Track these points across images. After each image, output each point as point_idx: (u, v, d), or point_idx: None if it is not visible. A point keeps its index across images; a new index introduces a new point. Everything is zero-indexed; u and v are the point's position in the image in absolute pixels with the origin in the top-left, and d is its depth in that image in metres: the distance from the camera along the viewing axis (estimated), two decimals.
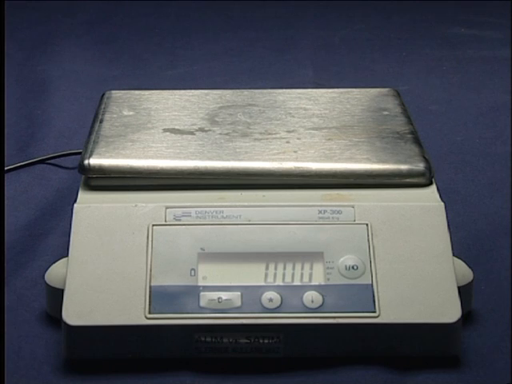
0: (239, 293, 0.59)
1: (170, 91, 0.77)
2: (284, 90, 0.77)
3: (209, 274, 0.59)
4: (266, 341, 0.58)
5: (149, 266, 0.59)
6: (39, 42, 1.19)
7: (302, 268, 0.60)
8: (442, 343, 0.58)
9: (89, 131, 0.69)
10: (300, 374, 0.58)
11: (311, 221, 0.62)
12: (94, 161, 0.64)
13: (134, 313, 0.58)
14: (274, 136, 0.68)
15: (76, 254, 0.60)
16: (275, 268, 0.60)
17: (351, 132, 0.69)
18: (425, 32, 1.24)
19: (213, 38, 1.22)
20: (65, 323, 0.58)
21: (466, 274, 0.62)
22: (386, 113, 0.72)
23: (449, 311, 0.58)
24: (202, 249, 0.60)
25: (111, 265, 0.60)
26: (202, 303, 0.58)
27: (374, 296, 0.58)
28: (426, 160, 0.65)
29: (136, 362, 0.59)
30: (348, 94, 0.76)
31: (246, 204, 0.63)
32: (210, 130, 0.69)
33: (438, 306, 0.58)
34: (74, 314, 0.58)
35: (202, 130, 0.69)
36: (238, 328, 0.58)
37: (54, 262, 0.62)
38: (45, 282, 0.62)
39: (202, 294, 0.59)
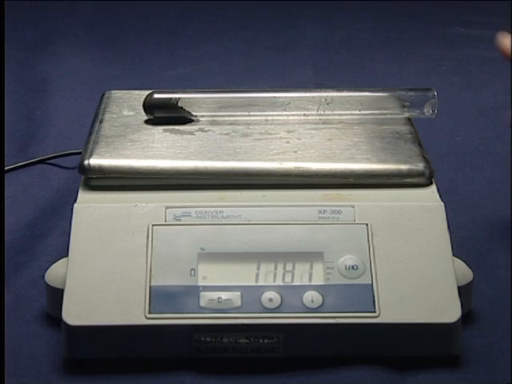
0: (239, 293, 0.59)
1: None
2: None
3: (209, 274, 0.59)
4: (265, 341, 0.58)
5: (149, 266, 0.59)
6: (39, 42, 1.19)
7: (302, 268, 0.60)
8: (442, 343, 0.58)
9: (89, 131, 0.69)
10: (300, 374, 0.58)
11: (311, 221, 0.62)
12: (93, 161, 0.64)
13: (133, 313, 0.58)
14: (274, 136, 0.68)
15: (76, 253, 0.60)
16: (275, 268, 0.60)
17: (351, 132, 0.69)
18: (425, 32, 1.24)
19: (213, 38, 1.22)
20: (65, 323, 0.58)
21: (466, 274, 0.62)
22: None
23: (449, 311, 0.58)
24: (201, 249, 0.60)
25: (111, 265, 0.60)
26: (202, 303, 0.58)
27: (373, 296, 0.59)
28: (426, 160, 0.65)
29: (136, 361, 0.59)
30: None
31: (245, 204, 0.63)
32: (209, 130, 0.69)
33: (438, 306, 0.58)
34: (74, 314, 0.58)
35: (201, 130, 0.69)
36: (238, 328, 0.58)
37: (54, 262, 0.62)
38: (45, 281, 0.62)
39: (201, 293, 0.59)
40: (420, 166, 0.65)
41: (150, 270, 0.59)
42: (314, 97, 0.71)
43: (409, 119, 0.71)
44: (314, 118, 0.71)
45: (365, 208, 0.62)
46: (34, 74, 1.08)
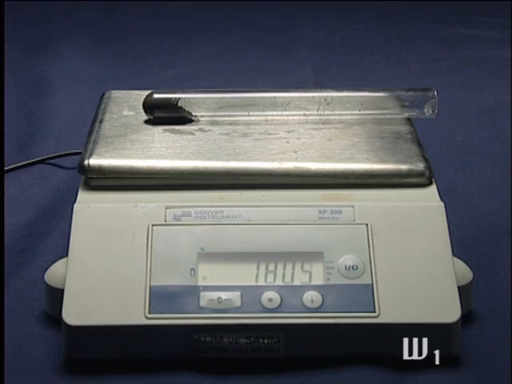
0: (239, 293, 0.59)
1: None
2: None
3: (209, 274, 0.59)
4: (265, 341, 0.58)
5: (149, 266, 0.59)
6: (39, 42, 1.19)
7: (302, 268, 0.60)
8: (442, 343, 0.58)
9: (89, 131, 0.69)
10: (300, 374, 0.58)
11: (311, 221, 0.62)
12: (93, 161, 0.64)
13: (133, 313, 0.58)
14: (273, 136, 0.68)
15: (76, 253, 0.60)
16: (275, 268, 0.60)
17: (351, 132, 0.69)
18: (425, 32, 1.24)
19: (213, 38, 1.22)
20: (65, 323, 0.58)
21: (466, 274, 0.62)
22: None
23: (449, 311, 0.58)
24: (201, 249, 0.60)
25: (111, 265, 0.60)
26: (202, 303, 0.58)
27: (373, 296, 0.59)
28: (426, 160, 0.65)
29: (136, 361, 0.59)
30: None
31: (245, 204, 0.63)
32: (209, 130, 0.69)
33: (438, 306, 0.58)
34: (74, 314, 0.58)
35: (201, 130, 0.69)
36: (237, 328, 0.58)
37: (54, 262, 0.62)
38: (45, 281, 0.62)
39: (201, 293, 0.59)
40: (420, 166, 0.65)
41: (150, 270, 0.59)
42: (313, 97, 0.71)
43: (409, 119, 0.71)
44: (314, 117, 0.71)
45: (365, 208, 0.62)
46: (34, 74, 1.08)
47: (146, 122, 0.70)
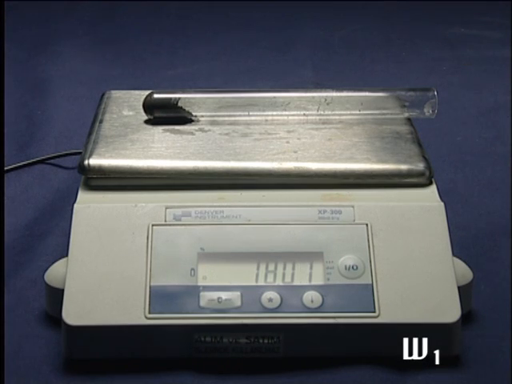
0: (239, 293, 0.59)
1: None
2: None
3: (209, 274, 0.59)
4: (265, 341, 0.58)
5: (149, 266, 0.59)
6: (39, 42, 1.19)
7: (302, 268, 0.60)
8: (442, 343, 0.58)
9: (89, 131, 0.69)
10: (300, 374, 0.58)
11: (311, 221, 0.62)
12: (93, 161, 0.64)
13: (133, 313, 0.58)
14: (273, 136, 0.68)
15: (76, 253, 0.60)
16: (275, 268, 0.60)
17: (351, 132, 0.69)
18: (425, 32, 1.24)
19: (213, 38, 1.22)
20: (65, 323, 0.58)
21: (466, 274, 0.62)
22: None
23: (449, 311, 0.58)
24: (201, 249, 0.60)
25: (111, 265, 0.60)
26: (202, 303, 0.58)
27: (373, 296, 0.59)
28: (426, 160, 0.65)
29: (136, 361, 0.59)
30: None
31: (245, 204, 0.63)
32: (209, 130, 0.69)
33: (438, 306, 0.58)
34: (74, 314, 0.58)
35: (201, 130, 0.69)
36: (237, 328, 0.58)
37: (54, 262, 0.62)
38: (45, 281, 0.62)
39: (201, 293, 0.59)
40: (420, 166, 0.65)
41: (150, 270, 0.59)
42: (313, 97, 0.71)
43: (409, 119, 0.71)
44: (314, 117, 0.71)
45: (365, 208, 0.62)
46: (34, 74, 1.08)
47: (146, 122, 0.71)
